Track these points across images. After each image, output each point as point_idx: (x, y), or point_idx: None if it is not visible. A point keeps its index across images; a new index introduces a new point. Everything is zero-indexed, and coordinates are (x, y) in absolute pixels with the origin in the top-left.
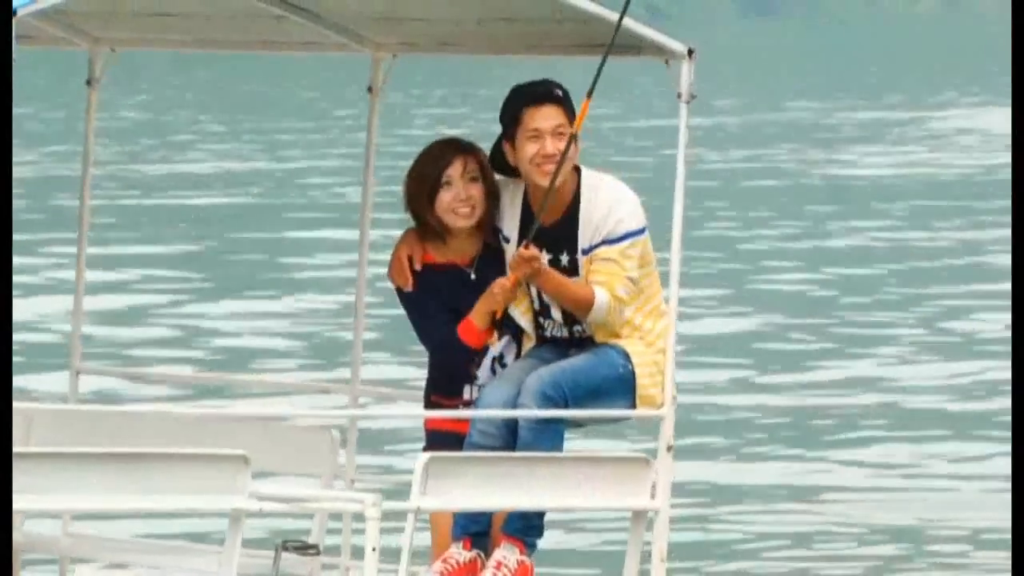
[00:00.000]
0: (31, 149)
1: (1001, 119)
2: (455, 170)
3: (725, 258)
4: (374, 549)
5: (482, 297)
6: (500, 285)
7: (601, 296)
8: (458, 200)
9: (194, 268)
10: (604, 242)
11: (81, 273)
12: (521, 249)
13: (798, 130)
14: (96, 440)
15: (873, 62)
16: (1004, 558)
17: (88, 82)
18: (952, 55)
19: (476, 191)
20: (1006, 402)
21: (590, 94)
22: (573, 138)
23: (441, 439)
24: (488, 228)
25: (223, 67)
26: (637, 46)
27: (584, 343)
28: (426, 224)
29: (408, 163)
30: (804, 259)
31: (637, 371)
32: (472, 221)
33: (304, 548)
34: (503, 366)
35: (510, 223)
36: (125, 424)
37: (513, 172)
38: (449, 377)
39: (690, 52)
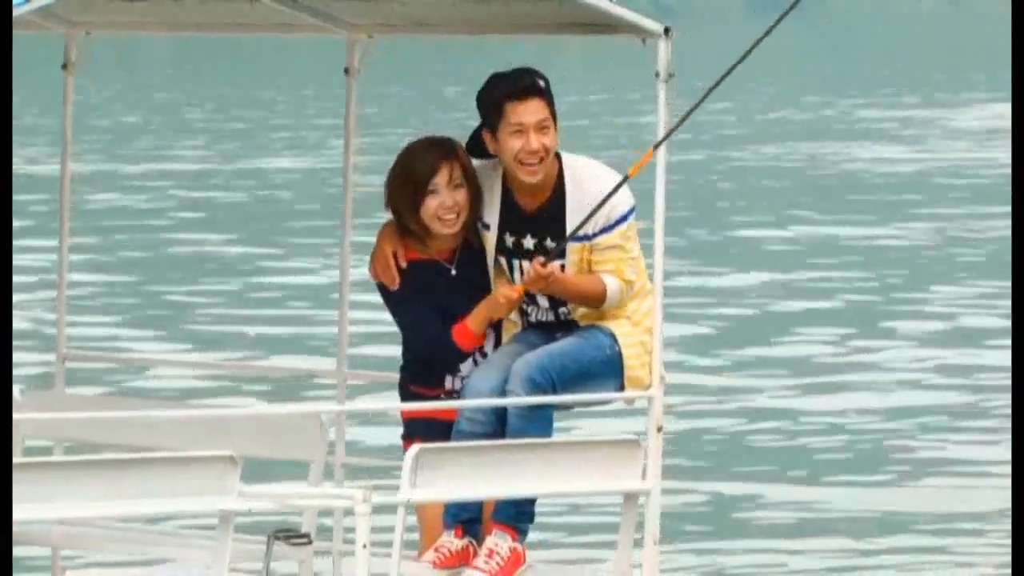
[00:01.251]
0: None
1: (1003, 117)
2: (442, 178)
3: (733, 256)
4: (365, 546)
5: (484, 303)
6: (506, 296)
7: (612, 284)
8: (444, 208)
9: (184, 257)
10: (604, 230)
11: (64, 261)
12: (537, 266)
13: (802, 128)
14: (84, 434)
15: (876, 60)
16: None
17: (64, 66)
18: (955, 54)
19: (461, 197)
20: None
21: (657, 146)
22: (626, 179)
23: (422, 428)
24: (470, 225)
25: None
26: (613, 25)
27: (571, 325)
28: (408, 226)
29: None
30: (811, 256)
31: (624, 352)
32: (457, 228)
33: (295, 538)
34: (484, 356)
35: (489, 210)
36: (114, 421)
37: (491, 156)
38: (429, 369)
39: (667, 30)
